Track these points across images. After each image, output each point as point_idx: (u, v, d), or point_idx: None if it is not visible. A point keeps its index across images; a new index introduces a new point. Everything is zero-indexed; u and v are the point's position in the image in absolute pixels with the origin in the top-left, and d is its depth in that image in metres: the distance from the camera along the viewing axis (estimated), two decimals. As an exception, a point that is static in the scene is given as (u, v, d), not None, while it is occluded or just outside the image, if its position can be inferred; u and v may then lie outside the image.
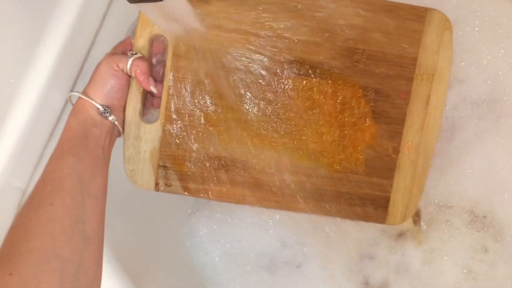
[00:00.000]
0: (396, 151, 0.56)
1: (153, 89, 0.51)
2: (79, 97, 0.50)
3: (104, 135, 0.51)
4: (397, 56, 0.55)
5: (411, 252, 0.77)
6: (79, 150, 0.48)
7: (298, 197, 0.56)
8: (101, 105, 0.50)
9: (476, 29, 0.72)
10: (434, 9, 0.55)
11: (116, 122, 0.51)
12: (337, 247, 0.76)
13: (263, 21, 0.53)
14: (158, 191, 0.55)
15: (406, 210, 0.57)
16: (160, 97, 0.54)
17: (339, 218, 0.74)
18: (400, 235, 0.78)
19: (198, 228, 0.78)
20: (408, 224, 0.77)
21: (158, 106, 0.54)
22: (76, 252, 0.43)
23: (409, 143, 0.56)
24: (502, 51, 0.73)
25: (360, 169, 0.56)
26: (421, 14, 0.54)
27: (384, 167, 0.56)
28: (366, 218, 0.57)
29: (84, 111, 0.50)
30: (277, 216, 0.77)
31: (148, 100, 0.55)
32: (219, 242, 0.78)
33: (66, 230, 0.43)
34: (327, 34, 0.54)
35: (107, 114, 0.50)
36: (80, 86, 0.57)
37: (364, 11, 0.53)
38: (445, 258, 0.75)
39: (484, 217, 0.77)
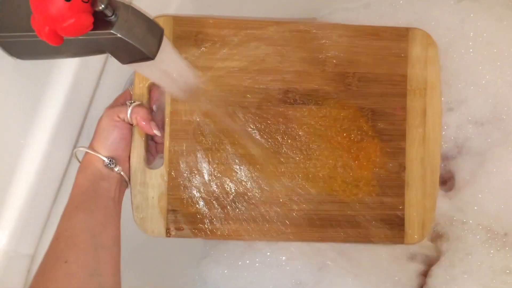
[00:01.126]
0: (403, 168, 0.56)
1: (156, 132, 0.52)
2: (86, 152, 0.51)
3: (113, 187, 0.51)
4: (387, 74, 0.56)
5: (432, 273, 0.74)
6: (89, 205, 0.48)
7: (312, 226, 0.55)
8: (106, 157, 0.51)
9: (471, 50, 0.74)
10: (415, 28, 0.57)
11: (122, 173, 0.52)
12: (352, 280, 0.74)
13: (255, 57, 0.55)
14: (169, 236, 0.54)
15: (423, 227, 0.56)
16: (162, 143, 0.55)
17: (351, 249, 0.72)
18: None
19: (209, 274, 0.75)
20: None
21: (162, 152, 0.55)
22: None
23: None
24: (498, 70, 0.74)
25: (370, 190, 0.56)
26: (403, 34, 0.57)
27: (393, 185, 0.56)
28: (385, 240, 0.56)
29: (91, 165, 0.51)
30: (287, 254, 0.75)
31: (151, 147, 0.56)
32: (231, 286, 0.75)
33: (82, 284, 0.44)
34: (317, 63, 0.56)
35: (113, 166, 0.51)
36: (82, 144, 0.58)
37: (348, 37, 0.56)
38: (465, 276, 0.72)
39: (506, 234, 0.75)
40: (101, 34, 0.39)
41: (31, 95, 0.51)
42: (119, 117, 0.52)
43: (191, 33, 0.54)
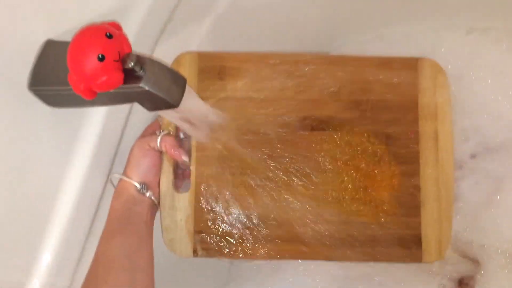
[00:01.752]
0: (418, 189, 0.59)
1: (184, 158, 0.56)
2: (120, 179, 0.56)
3: (145, 211, 0.55)
4: (399, 101, 0.60)
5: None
6: (124, 229, 0.53)
7: (332, 246, 0.57)
8: (138, 183, 0.55)
9: (483, 80, 0.76)
10: (424, 58, 0.61)
11: (153, 197, 0.56)
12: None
13: (273, 88, 0.59)
14: (197, 256, 0.57)
15: (440, 245, 0.58)
16: (189, 169, 0.59)
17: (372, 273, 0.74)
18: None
19: None
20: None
21: (189, 177, 0.59)
22: None
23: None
24: (511, 98, 0.76)
25: (387, 211, 0.58)
26: (412, 63, 0.60)
27: (409, 205, 0.58)
28: (403, 259, 0.58)
29: (125, 191, 0.55)
30: (310, 280, 0.76)
31: (179, 173, 0.60)
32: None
33: None
34: (332, 92, 0.59)
35: (144, 191, 0.55)
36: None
37: (361, 67, 0.60)
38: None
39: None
40: (131, 88, 0.43)
41: (67, 138, 0.55)
42: (149, 146, 0.56)
43: (214, 68, 0.59)
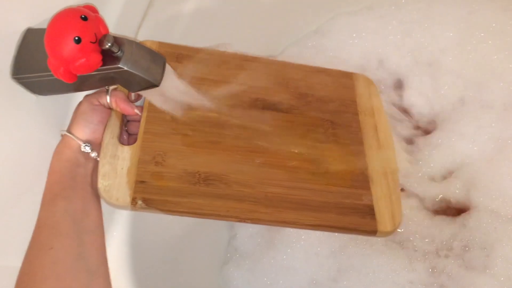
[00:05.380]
0: (366, 166, 0.59)
1: (136, 111, 0.54)
2: (63, 136, 0.52)
3: (89, 172, 0.51)
4: (340, 99, 0.65)
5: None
6: (68, 192, 0.48)
7: (284, 208, 0.53)
8: (83, 142, 0.51)
9: (483, 41, 0.77)
10: (357, 73, 0.70)
11: (98, 159, 0.52)
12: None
13: (226, 75, 0.63)
14: (134, 206, 0.50)
15: (393, 218, 0.56)
16: (135, 134, 0.56)
17: None
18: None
19: (232, 278, 0.74)
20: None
21: (136, 132, 0.55)
22: (83, 287, 0.44)
23: None
24: None
25: (340, 182, 0.57)
26: (348, 75, 0.69)
27: (360, 179, 0.58)
28: (358, 228, 0.54)
29: (66, 151, 0.51)
30: (304, 256, 0.72)
31: (123, 137, 0.57)
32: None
33: (69, 269, 0.44)
34: (281, 84, 0.64)
35: (89, 150, 0.51)
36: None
37: (305, 71, 0.67)
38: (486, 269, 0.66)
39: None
40: (110, 68, 0.45)
41: (55, 124, 0.56)
42: (98, 102, 0.55)
43: (173, 54, 0.63)
